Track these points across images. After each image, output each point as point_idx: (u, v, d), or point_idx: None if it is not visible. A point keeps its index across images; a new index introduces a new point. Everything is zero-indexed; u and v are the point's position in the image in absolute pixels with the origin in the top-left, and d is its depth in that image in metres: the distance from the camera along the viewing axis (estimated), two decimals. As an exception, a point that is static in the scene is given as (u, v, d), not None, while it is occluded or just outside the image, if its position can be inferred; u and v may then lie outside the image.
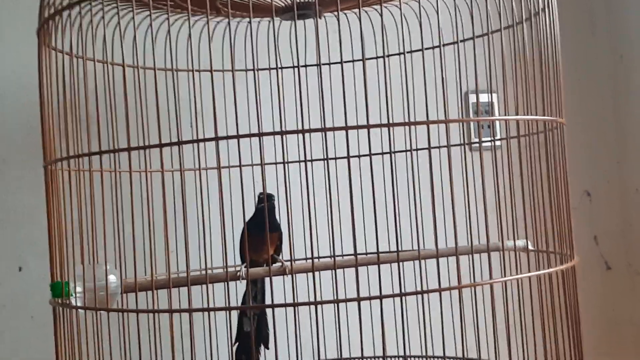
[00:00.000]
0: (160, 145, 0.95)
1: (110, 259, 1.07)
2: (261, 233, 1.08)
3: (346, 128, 0.92)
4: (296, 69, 1.20)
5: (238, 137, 0.92)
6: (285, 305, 0.94)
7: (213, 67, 1.17)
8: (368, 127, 0.92)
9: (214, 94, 1.05)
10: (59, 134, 1.11)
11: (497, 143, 1.82)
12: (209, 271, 1.11)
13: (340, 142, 1.18)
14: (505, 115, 1.20)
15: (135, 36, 1.04)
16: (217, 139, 0.93)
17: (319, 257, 1.25)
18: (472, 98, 1.90)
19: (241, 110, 1.11)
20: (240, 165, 1.02)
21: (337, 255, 1.10)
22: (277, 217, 1.32)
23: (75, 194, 1.12)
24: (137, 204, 1.05)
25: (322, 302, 0.92)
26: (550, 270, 1.07)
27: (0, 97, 1.51)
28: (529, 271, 1.07)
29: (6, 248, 1.49)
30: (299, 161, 1.37)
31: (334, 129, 0.93)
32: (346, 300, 0.92)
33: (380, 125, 0.93)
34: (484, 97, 1.83)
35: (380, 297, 0.92)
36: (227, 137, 0.93)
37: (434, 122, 0.96)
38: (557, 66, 1.16)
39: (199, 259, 1.21)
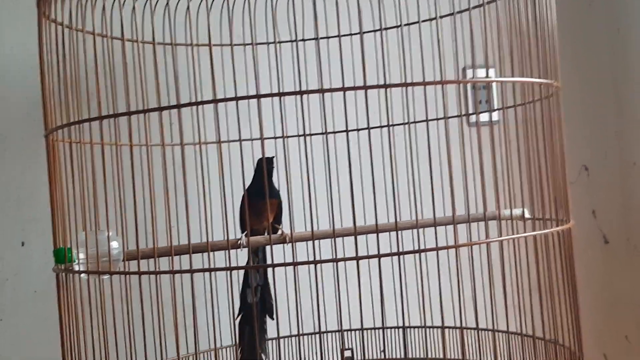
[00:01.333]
0: (160, 109, 0.96)
1: (112, 228, 1.09)
2: (261, 199, 1.09)
3: (344, 89, 0.93)
4: (294, 44, 1.22)
5: (237, 99, 0.93)
6: (285, 264, 0.95)
7: (212, 41, 1.18)
8: (365, 88, 0.93)
9: (213, 63, 1.06)
10: (59, 103, 1.12)
11: (495, 118, 1.83)
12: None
13: (338, 114, 1.19)
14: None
15: (134, 8, 1.05)
16: (215, 101, 0.94)
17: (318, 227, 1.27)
18: (470, 74, 1.91)
19: (240, 84, 1.12)
20: (240, 140, 1.03)
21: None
22: (277, 186, 1.33)
23: (77, 166, 1.13)
24: (138, 176, 1.06)
25: (321, 262, 0.94)
26: (546, 231, 1.08)
27: (1, 73, 1.52)
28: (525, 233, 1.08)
29: (9, 223, 1.50)
30: (298, 135, 1.38)
31: (331, 90, 0.94)
32: (345, 259, 0.94)
33: (377, 87, 0.94)
34: (481, 73, 1.84)
35: (379, 256, 0.93)
36: (226, 100, 0.94)
37: (430, 83, 0.97)
38: (552, 31, 1.17)
39: (199, 232, 1.22)
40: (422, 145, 1.12)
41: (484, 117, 1.88)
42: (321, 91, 0.92)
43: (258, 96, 0.93)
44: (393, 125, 1.33)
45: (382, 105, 1.27)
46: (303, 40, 1.46)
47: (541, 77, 1.14)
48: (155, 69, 1.19)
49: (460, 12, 1.30)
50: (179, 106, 0.95)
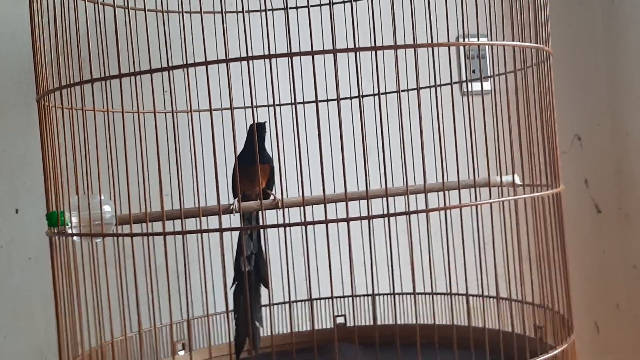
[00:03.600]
0: (150, 71, 0.96)
1: (104, 193, 1.09)
2: (253, 164, 1.09)
3: (334, 51, 0.94)
4: (285, 11, 1.22)
5: (227, 61, 0.94)
6: (276, 225, 0.96)
7: (203, 9, 1.18)
8: (355, 50, 0.94)
9: (204, 32, 1.06)
10: (51, 66, 1.12)
11: (487, 87, 1.83)
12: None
13: (330, 80, 1.20)
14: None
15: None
16: (206, 63, 0.94)
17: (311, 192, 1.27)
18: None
19: (232, 48, 1.12)
20: (231, 108, 1.03)
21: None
22: (270, 152, 1.33)
23: (69, 131, 1.13)
24: (130, 142, 1.07)
25: (312, 223, 0.94)
26: (536, 194, 1.09)
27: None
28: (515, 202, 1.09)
29: (2, 190, 1.50)
30: (290, 104, 1.38)
31: (323, 52, 0.94)
32: (337, 221, 0.95)
33: (367, 49, 0.95)
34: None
35: (369, 218, 0.94)
36: (217, 62, 0.95)
37: (421, 45, 0.97)
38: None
39: (192, 198, 1.23)
40: (413, 112, 1.12)
41: (477, 86, 1.89)
42: (311, 53, 0.93)
43: (248, 58, 0.93)
44: (385, 93, 1.34)
45: (374, 71, 1.27)
46: (295, 7, 1.46)
47: (532, 42, 1.14)
48: (146, 33, 1.20)
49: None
50: (169, 68, 0.96)
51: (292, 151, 1.10)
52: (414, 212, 0.97)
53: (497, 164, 1.18)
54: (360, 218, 0.93)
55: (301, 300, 1.51)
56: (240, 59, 0.94)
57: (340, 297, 1.49)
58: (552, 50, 1.18)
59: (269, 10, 1.41)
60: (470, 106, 1.12)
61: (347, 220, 0.92)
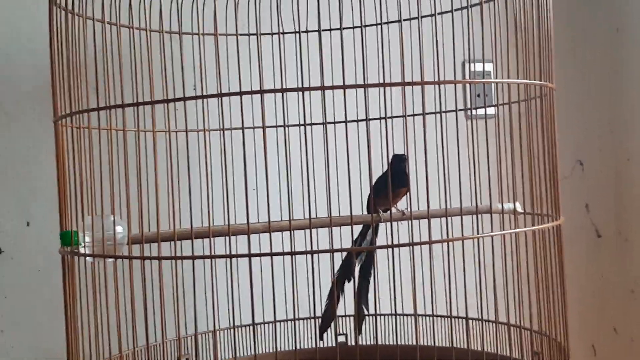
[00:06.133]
0: (166, 101, 1.00)
1: (117, 212, 1.12)
2: (397, 188, 1.31)
3: (344, 87, 0.97)
4: (297, 35, 1.25)
5: (241, 94, 0.97)
6: (283, 253, 0.99)
7: (218, 31, 1.21)
8: (365, 86, 0.97)
9: (219, 55, 1.09)
10: (69, 90, 1.15)
11: (491, 112, 1.87)
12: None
13: (338, 105, 1.23)
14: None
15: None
16: (220, 95, 0.98)
17: (316, 216, 1.31)
18: (470, 67, 1.94)
19: (244, 75, 1.15)
20: (242, 128, 1.06)
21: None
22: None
23: (84, 151, 1.16)
24: (143, 162, 1.10)
25: (318, 252, 0.97)
26: (535, 227, 1.12)
27: (7, 53, 1.55)
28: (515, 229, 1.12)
29: (15, 203, 1.53)
30: (299, 125, 1.41)
31: (332, 87, 0.97)
32: (341, 250, 0.97)
33: (376, 85, 0.98)
34: (479, 67, 1.88)
35: (374, 248, 0.97)
36: (230, 94, 0.98)
37: (429, 83, 1.00)
38: (548, 33, 1.20)
39: (200, 216, 1.26)
40: (419, 138, 1.15)
41: (481, 110, 1.92)
42: (322, 88, 0.96)
43: (262, 91, 0.97)
44: (391, 117, 1.37)
45: (381, 98, 1.31)
46: (306, 32, 1.49)
47: (536, 78, 1.17)
48: (162, 55, 1.23)
49: (459, 9, 1.34)
50: (184, 99, 0.99)
51: (299, 172, 1.13)
52: (417, 244, 1.00)
53: (499, 191, 1.21)
54: (366, 249, 0.96)
55: (304, 318, 1.54)
56: (252, 92, 0.97)
57: (342, 316, 1.52)
58: (555, 86, 1.21)
59: (282, 33, 1.44)
60: (474, 130, 1.15)
61: (354, 249, 0.95)
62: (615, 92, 2.11)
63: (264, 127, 1.30)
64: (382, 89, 1.08)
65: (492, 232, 1.06)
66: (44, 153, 1.51)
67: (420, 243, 1.00)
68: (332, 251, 0.96)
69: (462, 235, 1.02)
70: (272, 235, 1.19)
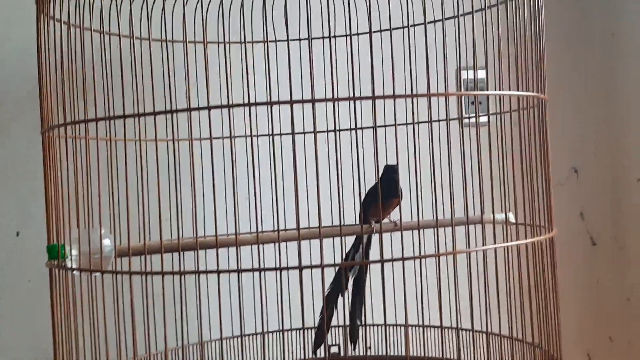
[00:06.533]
0: (154, 114, 0.99)
1: (104, 225, 1.11)
2: (389, 199, 1.31)
3: (334, 100, 0.96)
4: (285, 43, 1.24)
5: (230, 106, 0.96)
6: (275, 268, 0.98)
7: (207, 39, 1.20)
8: (355, 99, 0.96)
9: (207, 65, 1.08)
10: (57, 101, 1.14)
11: (483, 120, 1.86)
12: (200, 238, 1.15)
13: (329, 114, 1.22)
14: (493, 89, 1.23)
15: (130, 6, 1.08)
16: (209, 108, 0.97)
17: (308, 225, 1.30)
18: (463, 75, 1.94)
19: (234, 82, 1.14)
20: (231, 137, 1.05)
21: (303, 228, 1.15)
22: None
23: (71, 161, 1.15)
24: (132, 172, 1.09)
25: (309, 267, 0.96)
26: (528, 240, 1.11)
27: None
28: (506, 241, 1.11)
29: (4, 213, 1.52)
30: (289, 133, 1.39)
31: (321, 100, 0.97)
32: (333, 265, 0.96)
33: (368, 98, 0.97)
34: (472, 75, 1.87)
35: (365, 263, 0.96)
36: (220, 107, 0.97)
37: (420, 95, 1.00)
38: (540, 44, 1.20)
39: (192, 226, 1.25)
40: (411, 147, 1.15)
41: (473, 119, 1.92)
42: (312, 101, 0.95)
43: (250, 104, 0.96)
44: (382, 126, 1.36)
45: (370, 108, 1.29)
46: (298, 39, 1.48)
47: (529, 89, 1.16)
48: (150, 66, 1.22)
49: (449, 18, 1.33)
50: (173, 112, 0.99)
51: (291, 182, 1.13)
52: (408, 259, 1.00)
53: (491, 201, 1.20)
54: (356, 264, 0.95)
55: (295, 329, 1.52)
56: (242, 105, 0.96)
57: (334, 326, 1.51)
58: (548, 97, 1.20)
59: (270, 41, 1.43)
60: (466, 139, 1.15)
61: (344, 265, 0.94)
62: (610, 97, 2.10)
63: (252, 136, 1.30)
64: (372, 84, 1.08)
65: (484, 245, 1.05)
66: (35, 162, 1.49)
67: (412, 258, 0.99)
68: (322, 266, 0.95)
69: (454, 249, 1.01)
70: (262, 247, 1.17)
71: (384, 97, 0.98)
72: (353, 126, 1.44)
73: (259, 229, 1.08)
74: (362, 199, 1.30)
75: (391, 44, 1.21)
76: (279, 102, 0.96)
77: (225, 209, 1.38)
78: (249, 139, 1.44)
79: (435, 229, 1.05)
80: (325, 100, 0.96)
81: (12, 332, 1.52)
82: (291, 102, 0.94)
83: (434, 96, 1.01)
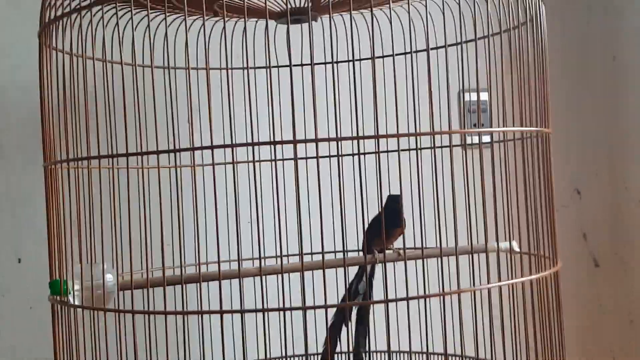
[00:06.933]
0: (157, 152, 0.99)
1: (107, 254, 1.10)
2: (393, 227, 1.31)
3: (337, 139, 0.96)
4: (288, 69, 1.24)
5: (233, 146, 0.96)
6: (277, 310, 0.97)
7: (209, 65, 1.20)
8: (358, 138, 0.96)
9: (210, 94, 1.08)
10: (59, 135, 1.14)
11: (486, 139, 1.85)
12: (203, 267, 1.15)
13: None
14: (496, 126, 1.22)
15: (133, 35, 1.07)
16: (212, 147, 0.97)
17: (311, 254, 1.29)
18: (466, 97, 1.94)
19: (236, 111, 1.14)
20: (233, 162, 1.04)
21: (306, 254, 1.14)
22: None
23: (74, 190, 1.15)
24: (134, 201, 1.08)
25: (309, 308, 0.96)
26: (533, 277, 1.11)
27: (1, 90, 1.54)
28: (512, 276, 1.10)
29: (6, 239, 1.52)
30: (292, 159, 1.39)
31: (327, 139, 0.97)
32: (337, 306, 0.95)
33: (371, 137, 0.97)
34: (474, 96, 1.87)
35: (371, 303, 0.96)
36: (224, 146, 0.97)
37: (423, 134, 0.99)
38: (544, 76, 1.19)
39: (194, 254, 1.25)
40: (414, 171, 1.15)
41: (475, 138, 1.91)
42: (315, 141, 0.95)
43: (254, 144, 0.96)
44: (385, 152, 1.36)
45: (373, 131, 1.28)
46: (300, 65, 1.48)
47: (532, 123, 1.16)
48: (153, 95, 1.21)
49: (453, 44, 1.32)
50: (176, 150, 0.98)
51: (293, 209, 1.12)
52: (413, 298, 0.99)
53: (495, 228, 1.19)
54: (360, 304, 0.94)
55: (298, 356, 1.52)
56: (245, 144, 0.96)
57: (338, 353, 1.51)
58: (552, 130, 1.20)
59: (273, 67, 1.43)
60: (469, 165, 1.14)
61: (348, 305, 0.94)
62: (612, 119, 2.10)
63: (254, 162, 1.30)
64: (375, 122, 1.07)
65: (488, 283, 1.04)
66: (37, 189, 1.49)
67: (417, 297, 0.99)
68: (325, 307, 0.95)
69: (458, 287, 1.00)
70: (265, 281, 1.17)
71: (387, 136, 0.97)
72: (356, 151, 1.45)
73: (262, 254, 1.07)
74: (365, 228, 1.29)
75: (394, 70, 1.20)
76: (282, 142, 0.95)
77: (227, 234, 1.39)
78: (251, 164, 1.46)
79: (439, 263, 1.04)
80: (329, 139, 0.95)
81: (13, 358, 1.52)
82: (294, 142, 0.94)
83: (437, 134, 1.00)
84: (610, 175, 2.10)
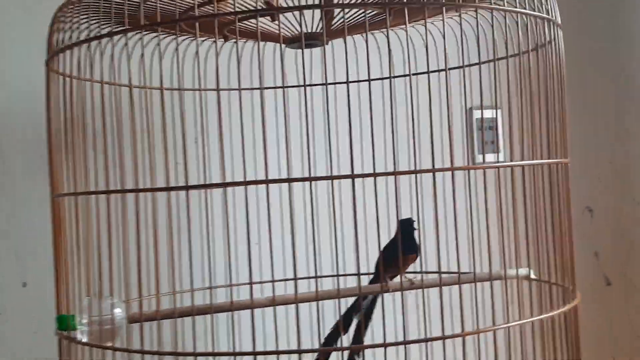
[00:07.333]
0: (168, 189, 0.96)
1: (115, 281, 1.07)
2: (406, 254, 1.26)
3: (352, 176, 0.93)
4: (302, 89, 1.21)
5: (245, 183, 0.94)
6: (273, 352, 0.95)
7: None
8: (374, 175, 0.93)
9: (221, 120, 1.05)
10: (66, 167, 1.11)
11: (501, 158, 1.83)
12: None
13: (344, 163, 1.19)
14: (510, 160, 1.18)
15: (143, 57, 1.05)
16: (224, 185, 0.94)
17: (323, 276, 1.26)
18: (476, 114, 1.91)
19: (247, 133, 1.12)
20: (245, 183, 1.01)
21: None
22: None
23: (82, 221, 1.12)
24: (143, 233, 1.06)
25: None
26: (554, 313, 1.08)
27: (8, 111, 1.51)
28: (531, 312, 1.07)
29: (11, 263, 1.50)
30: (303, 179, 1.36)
31: (341, 177, 0.94)
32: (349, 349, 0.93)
33: (387, 174, 0.94)
34: (487, 114, 1.84)
35: (385, 345, 0.93)
36: (235, 184, 0.95)
37: (440, 170, 0.97)
38: (562, 102, 1.17)
39: (202, 278, 1.22)
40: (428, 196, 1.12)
41: (490, 157, 1.89)
42: (330, 178, 0.92)
43: (267, 182, 0.93)
44: (401, 173, 1.33)
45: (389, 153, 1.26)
46: (312, 85, 1.45)
47: (550, 155, 1.13)
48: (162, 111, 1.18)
49: (452, 68, 1.30)
50: (187, 188, 0.95)
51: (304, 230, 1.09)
52: (431, 340, 0.96)
53: (509, 255, 1.17)
54: (364, 347, 0.91)
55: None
56: (257, 182, 0.93)
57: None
58: (569, 160, 1.17)
59: (286, 87, 1.40)
60: (482, 192, 1.12)
61: (363, 348, 0.91)
62: (624, 135, 2.07)
63: (266, 182, 1.27)
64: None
65: (508, 322, 1.01)
66: (42, 214, 1.46)
67: (434, 339, 0.96)
68: (341, 349, 0.92)
69: (477, 328, 0.97)
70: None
71: (385, 174, 0.96)
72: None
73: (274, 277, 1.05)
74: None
75: (391, 93, 1.17)
76: (296, 180, 0.94)
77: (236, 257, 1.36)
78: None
79: (460, 298, 1.01)
80: (344, 177, 0.93)
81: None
82: (310, 179, 0.92)
83: (455, 170, 0.98)
84: (622, 193, 2.07)
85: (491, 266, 1.12)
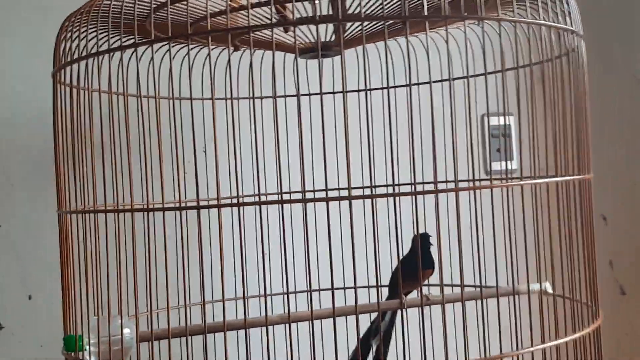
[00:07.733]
0: (163, 209, 0.95)
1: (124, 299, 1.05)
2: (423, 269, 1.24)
3: (350, 198, 0.90)
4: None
5: (239, 205, 0.92)
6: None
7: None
8: (372, 196, 0.92)
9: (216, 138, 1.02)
10: (73, 183, 1.09)
11: (514, 167, 1.80)
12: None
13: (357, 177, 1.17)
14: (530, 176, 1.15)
15: (153, 68, 1.02)
16: (219, 206, 0.92)
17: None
18: (490, 121, 1.88)
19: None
20: (238, 204, 0.99)
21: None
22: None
23: (89, 239, 1.09)
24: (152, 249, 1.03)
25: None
26: (577, 335, 1.05)
27: (12, 122, 1.49)
28: (557, 333, 1.04)
29: (16, 277, 1.47)
30: (300, 201, 1.33)
31: (338, 198, 0.93)
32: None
33: (386, 196, 0.93)
34: (500, 120, 1.81)
35: None
36: (230, 205, 0.93)
37: (442, 191, 0.94)
38: (585, 116, 1.14)
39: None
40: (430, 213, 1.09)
41: (498, 166, 1.87)
42: (326, 200, 0.91)
43: (282, 202, 0.91)
44: (399, 184, 1.30)
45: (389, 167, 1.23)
46: (321, 93, 1.42)
47: (574, 172, 1.11)
48: (157, 120, 1.16)
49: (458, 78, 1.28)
50: (184, 208, 0.93)
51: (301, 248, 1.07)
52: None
53: (526, 269, 1.13)
54: None
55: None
56: (253, 204, 0.90)
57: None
58: (592, 176, 1.14)
59: (278, 97, 1.37)
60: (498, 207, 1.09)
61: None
62: (636, 143, 2.04)
63: (260, 203, 1.24)
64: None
65: (531, 346, 0.98)
66: (48, 225, 1.44)
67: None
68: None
69: (501, 353, 0.94)
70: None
71: (386, 195, 0.95)
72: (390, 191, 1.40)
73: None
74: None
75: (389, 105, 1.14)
76: (290, 201, 0.93)
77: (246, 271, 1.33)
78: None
79: (483, 321, 0.98)
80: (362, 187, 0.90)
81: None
82: (304, 200, 0.90)
83: (442, 192, 0.95)
84: (636, 201, 2.04)
85: (514, 281, 1.10)
